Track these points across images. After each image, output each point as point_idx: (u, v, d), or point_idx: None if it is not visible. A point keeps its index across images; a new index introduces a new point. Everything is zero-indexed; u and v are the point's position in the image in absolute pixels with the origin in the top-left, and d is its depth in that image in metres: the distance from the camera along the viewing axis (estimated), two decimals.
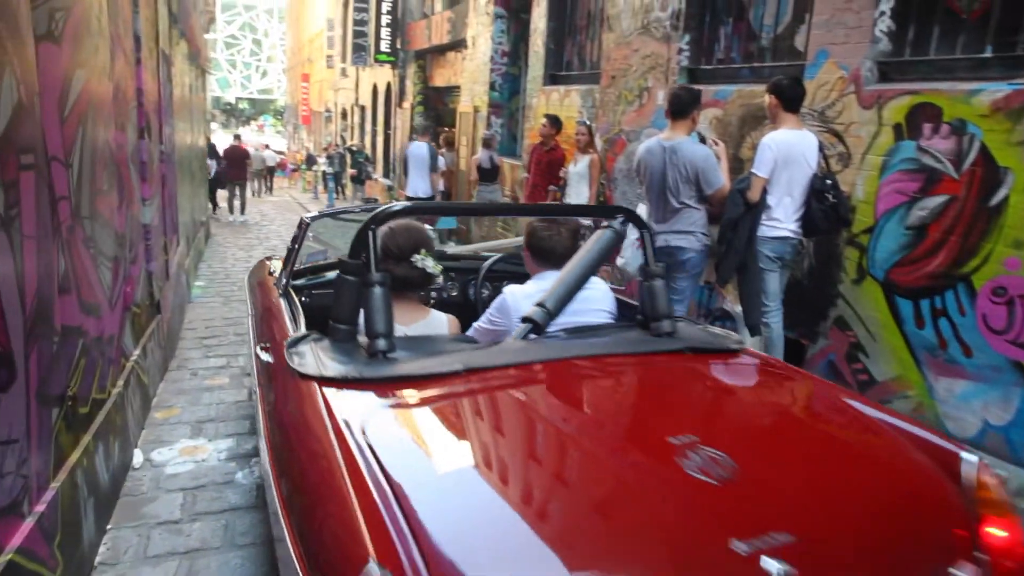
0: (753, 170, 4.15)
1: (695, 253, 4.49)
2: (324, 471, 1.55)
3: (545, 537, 1.38)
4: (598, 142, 7.47)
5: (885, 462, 1.79)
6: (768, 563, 1.28)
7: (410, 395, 1.82)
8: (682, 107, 4.47)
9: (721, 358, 2.26)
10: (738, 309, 4.76)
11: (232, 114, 66.92)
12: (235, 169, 15.12)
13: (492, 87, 11.22)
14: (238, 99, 67.59)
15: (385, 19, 16.47)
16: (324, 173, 20.52)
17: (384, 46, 16.64)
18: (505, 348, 2.16)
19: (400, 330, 2.25)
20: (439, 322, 2.49)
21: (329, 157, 21.35)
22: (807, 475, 1.67)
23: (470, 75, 12.11)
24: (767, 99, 4.28)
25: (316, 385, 1.83)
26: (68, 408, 2.54)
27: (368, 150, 21.17)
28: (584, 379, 2.04)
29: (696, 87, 4.90)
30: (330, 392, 1.79)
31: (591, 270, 2.40)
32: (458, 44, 12.75)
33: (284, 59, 54.77)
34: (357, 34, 19.53)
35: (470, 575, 1.23)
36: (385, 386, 1.82)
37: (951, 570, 1.50)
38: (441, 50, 14.26)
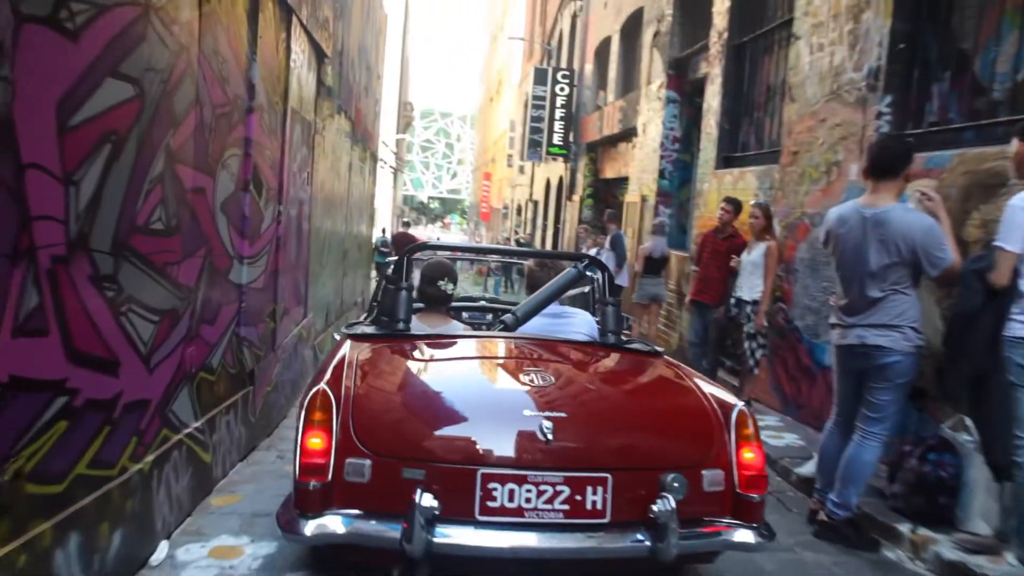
0: (999, 242, 2.97)
1: (902, 356, 3.29)
2: (326, 364, 2.78)
3: (427, 395, 2.73)
4: (776, 228, 6.37)
5: (671, 403, 2.81)
6: (541, 421, 2.33)
7: (395, 344, 2.99)
8: (891, 162, 3.41)
9: (627, 353, 3.14)
10: (968, 438, 3.41)
11: (423, 212, 71.52)
12: None
13: (661, 175, 10.46)
14: (430, 199, 72.34)
15: (559, 113, 16.48)
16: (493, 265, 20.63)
17: (557, 139, 16.59)
18: (477, 334, 3.48)
19: (426, 330, 3.21)
20: (457, 328, 3.45)
21: None
22: (599, 395, 2.83)
23: (639, 163, 11.48)
24: (1015, 148, 3.10)
25: (348, 338, 3.01)
26: (4, 484, 1.93)
27: (537, 243, 21.07)
28: (511, 348, 3.10)
29: (908, 138, 3.80)
30: (352, 341, 2.96)
31: (556, 295, 3.28)
32: (628, 133, 12.24)
33: (472, 161, 58.07)
34: (533, 130, 19.81)
35: (368, 402, 2.45)
36: (383, 340, 3.00)
37: (702, 471, 2.43)
38: (612, 141, 13.84)
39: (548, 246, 20.00)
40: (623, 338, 3.25)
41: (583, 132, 15.91)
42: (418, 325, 3.16)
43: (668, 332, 9.41)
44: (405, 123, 45.65)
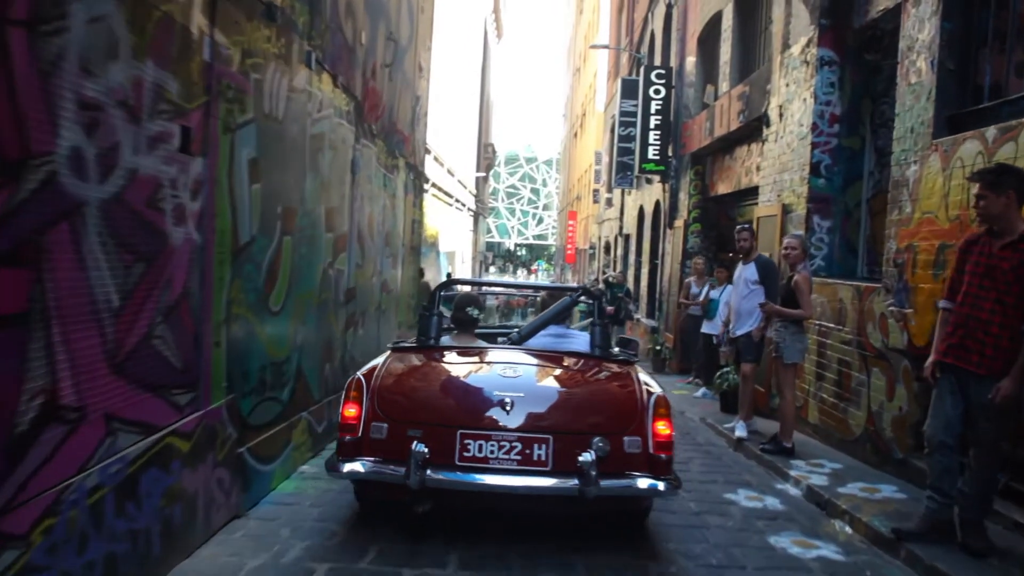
0: None
1: None
2: (368, 364, 4.00)
3: (430, 381, 3.98)
4: None
5: (609, 389, 3.92)
6: (503, 398, 3.49)
7: (422, 352, 4.17)
8: None
9: (603, 361, 4.20)
10: None
11: (510, 259, 69.01)
12: None
13: (815, 171, 7.14)
14: (516, 245, 69.98)
15: (654, 121, 13.35)
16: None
17: (651, 153, 13.43)
18: (486, 345, 4.51)
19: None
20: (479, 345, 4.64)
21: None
22: (553, 383, 3.95)
23: (775, 161, 8.18)
24: None
25: (390, 350, 4.16)
26: None
27: (631, 283, 17.77)
28: (505, 355, 4.15)
29: None
30: (392, 352, 4.11)
31: (553, 318, 4.53)
32: (754, 128, 8.98)
33: (558, 204, 55.40)
34: (621, 151, 16.77)
35: (388, 386, 3.68)
36: (412, 350, 4.18)
37: (624, 437, 3.50)
38: (727, 145, 10.58)
39: (644, 285, 16.69)
40: (613, 352, 4.38)
41: (686, 141, 12.72)
42: (450, 343, 4.38)
43: (846, 407, 5.98)
44: (487, 164, 43.51)
